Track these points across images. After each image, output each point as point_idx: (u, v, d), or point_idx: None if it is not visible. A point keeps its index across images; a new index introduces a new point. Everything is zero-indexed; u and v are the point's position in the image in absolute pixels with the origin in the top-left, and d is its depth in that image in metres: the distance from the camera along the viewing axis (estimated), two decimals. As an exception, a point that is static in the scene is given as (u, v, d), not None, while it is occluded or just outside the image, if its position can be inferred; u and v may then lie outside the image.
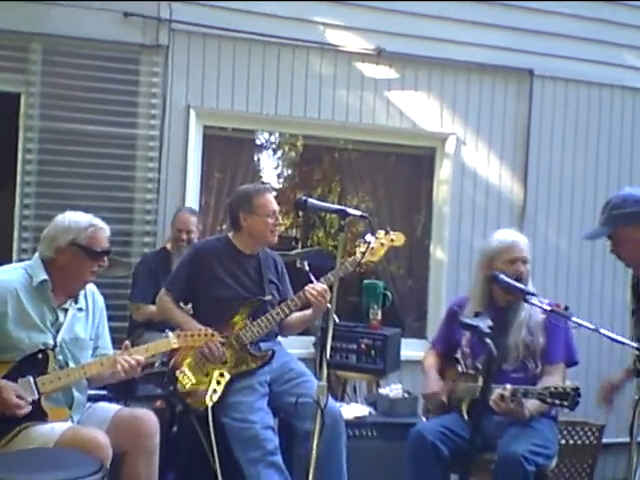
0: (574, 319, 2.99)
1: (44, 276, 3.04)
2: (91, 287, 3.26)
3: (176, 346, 3.24)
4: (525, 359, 3.50)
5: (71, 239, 3.06)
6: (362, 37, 5.40)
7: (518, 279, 3.42)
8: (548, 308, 3.13)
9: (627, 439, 2.86)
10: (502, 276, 3.37)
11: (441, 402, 3.61)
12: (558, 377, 3.49)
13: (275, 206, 3.79)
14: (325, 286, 3.59)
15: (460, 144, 5.65)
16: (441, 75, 5.59)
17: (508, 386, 3.26)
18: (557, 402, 3.15)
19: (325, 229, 7.84)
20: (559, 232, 5.81)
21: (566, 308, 3.08)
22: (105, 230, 3.16)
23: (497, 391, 3.26)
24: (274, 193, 3.88)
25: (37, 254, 3.13)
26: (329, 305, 3.19)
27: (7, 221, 4.96)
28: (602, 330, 2.92)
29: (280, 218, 3.83)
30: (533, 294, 3.27)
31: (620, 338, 2.89)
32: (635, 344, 2.83)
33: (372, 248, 3.68)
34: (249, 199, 3.76)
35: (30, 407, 2.87)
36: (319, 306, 3.62)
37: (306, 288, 3.63)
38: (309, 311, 3.75)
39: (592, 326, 2.96)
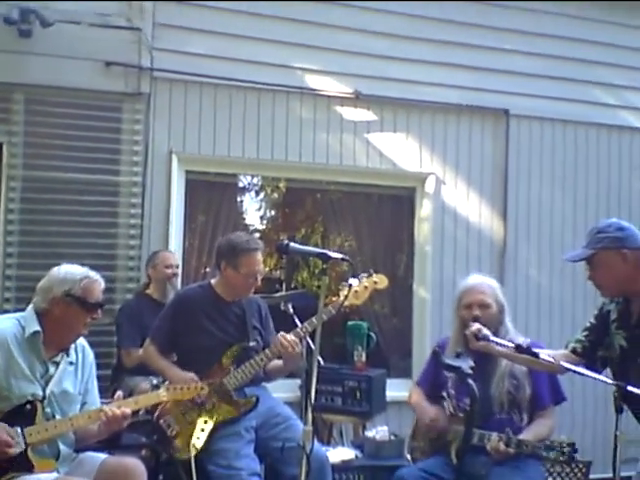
0: (542, 356, 2.99)
1: (36, 327, 3.05)
2: (82, 341, 3.26)
3: (165, 399, 3.24)
4: (511, 410, 3.49)
5: (66, 290, 3.07)
6: (340, 81, 5.50)
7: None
8: (511, 345, 3.08)
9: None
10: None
11: (441, 428, 3.56)
12: (550, 419, 3.55)
13: (259, 268, 3.76)
14: (294, 337, 3.61)
15: (440, 183, 5.73)
16: (419, 116, 5.70)
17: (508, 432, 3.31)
18: (552, 457, 3.18)
19: (309, 269, 7.84)
20: (540, 268, 5.88)
21: (528, 347, 3.05)
22: (100, 283, 3.17)
23: (494, 438, 3.30)
24: (262, 246, 3.83)
25: (31, 305, 3.14)
26: (313, 347, 3.19)
27: (-10, 270, 4.96)
28: (569, 366, 2.94)
29: (259, 279, 3.78)
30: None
31: (592, 374, 2.91)
32: (609, 380, 2.84)
33: (356, 291, 3.71)
34: (236, 255, 3.72)
35: (19, 449, 2.86)
36: (287, 357, 3.65)
37: (277, 338, 3.65)
38: (281, 361, 3.76)
39: (554, 362, 2.98)
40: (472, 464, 3.29)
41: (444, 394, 3.63)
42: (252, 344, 3.74)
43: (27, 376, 2.99)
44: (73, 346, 3.19)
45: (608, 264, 3.05)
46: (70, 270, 3.14)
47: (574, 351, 3.24)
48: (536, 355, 2.98)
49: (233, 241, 3.79)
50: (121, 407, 3.03)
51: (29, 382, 2.99)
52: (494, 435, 3.32)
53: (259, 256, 3.78)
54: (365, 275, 3.79)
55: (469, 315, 3.50)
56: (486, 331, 3.26)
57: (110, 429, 3.06)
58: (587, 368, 3.12)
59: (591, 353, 3.22)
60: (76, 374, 3.18)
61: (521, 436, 3.38)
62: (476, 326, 3.29)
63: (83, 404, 3.19)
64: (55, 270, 3.15)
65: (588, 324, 3.28)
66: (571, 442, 3.18)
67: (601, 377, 2.87)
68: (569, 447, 3.16)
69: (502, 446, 3.29)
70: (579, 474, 4.94)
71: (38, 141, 4.89)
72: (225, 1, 5.21)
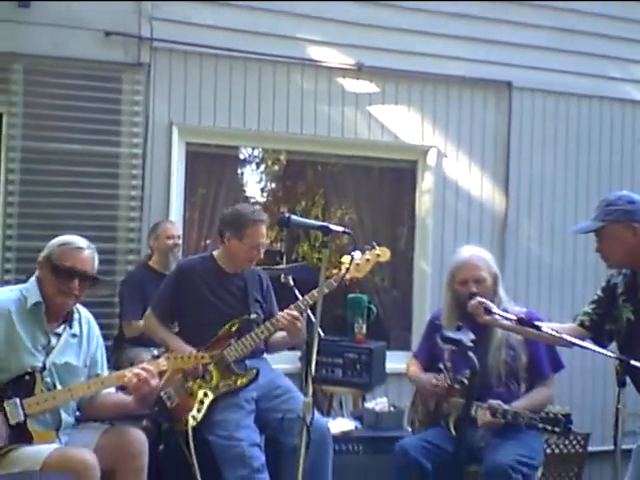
0: (544, 329, 2.99)
1: (38, 298, 3.04)
2: (87, 314, 3.25)
3: (165, 369, 3.23)
4: (508, 380, 3.50)
5: (46, 254, 3.08)
6: (342, 52, 5.45)
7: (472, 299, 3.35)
8: (514, 318, 3.09)
9: (612, 447, 2.89)
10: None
11: (443, 394, 3.56)
12: (550, 388, 3.56)
13: (263, 240, 3.72)
14: (296, 313, 3.61)
15: (441, 156, 5.70)
16: (421, 89, 5.65)
17: (498, 403, 3.30)
18: (548, 428, 3.17)
19: (310, 242, 7.84)
20: (541, 241, 5.87)
21: (530, 320, 3.06)
22: (82, 252, 3.07)
23: (484, 411, 3.30)
24: (266, 219, 3.81)
25: (34, 276, 3.13)
26: (314, 319, 3.19)
27: (-10, 241, 4.96)
28: (571, 339, 2.94)
29: (261, 252, 3.75)
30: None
31: (594, 347, 2.91)
32: (611, 354, 2.84)
33: (357, 264, 3.70)
34: (241, 225, 3.69)
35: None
36: (291, 332, 3.66)
37: (278, 314, 3.66)
38: (284, 333, 3.76)
39: (557, 334, 2.97)
40: (471, 436, 3.32)
41: (441, 366, 3.63)
42: (253, 316, 3.74)
43: (28, 348, 2.98)
44: (77, 317, 3.18)
45: (617, 237, 3.04)
46: (62, 238, 3.12)
47: (582, 324, 3.23)
48: (538, 328, 2.98)
49: (239, 212, 3.76)
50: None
51: (30, 354, 2.98)
52: (482, 407, 3.32)
53: (264, 228, 3.75)
54: (368, 248, 3.78)
55: (465, 290, 3.48)
56: (490, 304, 3.26)
57: (141, 392, 3.01)
58: (594, 342, 3.12)
59: (599, 326, 3.20)
60: (80, 346, 3.16)
61: (515, 403, 3.38)
62: (479, 299, 3.28)
63: (96, 376, 3.17)
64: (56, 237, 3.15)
65: (595, 297, 3.26)
66: (566, 413, 3.17)
67: (603, 351, 2.87)
68: (564, 418, 3.16)
69: (488, 416, 3.30)
70: (577, 446, 5.01)
71: (37, 112, 4.86)
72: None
